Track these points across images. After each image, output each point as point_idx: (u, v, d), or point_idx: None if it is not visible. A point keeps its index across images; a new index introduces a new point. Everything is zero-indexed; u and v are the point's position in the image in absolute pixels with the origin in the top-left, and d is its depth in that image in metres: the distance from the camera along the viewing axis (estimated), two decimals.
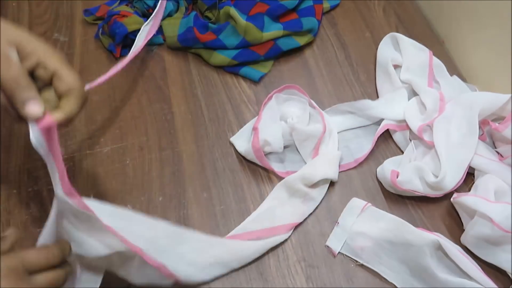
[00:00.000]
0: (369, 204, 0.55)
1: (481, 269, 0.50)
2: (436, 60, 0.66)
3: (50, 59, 0.42)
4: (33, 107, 0.39)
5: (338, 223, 0.55)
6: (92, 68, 0.68)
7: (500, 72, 0.63)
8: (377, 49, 0.71)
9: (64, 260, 0.42)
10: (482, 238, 0.51)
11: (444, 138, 0.58)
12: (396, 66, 0.67)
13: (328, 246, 0.54)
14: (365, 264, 0.53)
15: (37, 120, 0.39)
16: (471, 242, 0.52)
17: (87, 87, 0.46)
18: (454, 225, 0.56)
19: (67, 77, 0.42)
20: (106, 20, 0.69)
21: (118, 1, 0.73)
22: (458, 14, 0.71)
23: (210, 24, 0.68)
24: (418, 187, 0.55)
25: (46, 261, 0.40)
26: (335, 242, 0.54)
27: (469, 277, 0.49)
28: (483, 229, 0.50)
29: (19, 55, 0.41)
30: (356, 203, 0.56)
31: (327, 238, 0.54)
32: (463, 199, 0.53)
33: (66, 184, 0.41)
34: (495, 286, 0.49)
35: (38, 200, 0.57)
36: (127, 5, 0.72)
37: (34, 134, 0.39)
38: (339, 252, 0.53)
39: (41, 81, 0.42)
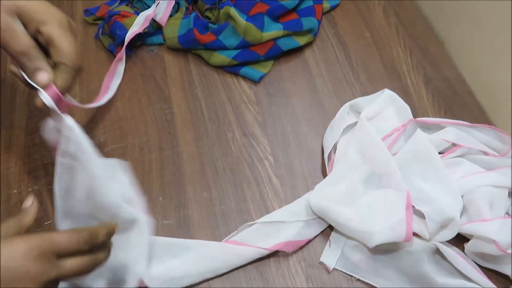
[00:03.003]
0: None
1: (480, 270, 0.50)
2: None
3: (47, 25, 0.43)
4: (41, 77, 0.42)
5: (330, 241, 0.53)
6: (92, 68, 0.68)
7: (500, 72, 0.63)
8: (377, 49, 0.71)
9: (95, 246, 0.39)
10: (485, 253, 0.50)
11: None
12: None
13: (322, 262, 0.52)
14: (361, 278, 0.51)
15: (45, 87, 0.43)
16: (472, 256, 0.51)
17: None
18: None
19: (60, 47, 0.43)
20: (106, 20, 0.69)
21: (118, 1, 0.74)
22: (458, 14, 0.71)
23: (210, 24, 0.68)
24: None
25: (77, 246, 0.37)
26: (329, 258, 0.52)
27: (468, 279, 0.49)
28: (485, 248, 0.49)
29: (22, 22, 0.42)
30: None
31: (327, 238, 0.54)
32: (463, 229, 0.51)
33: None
34: (494, 286, 0.49)
35: (38, 200, 0.56)
36: (127, 5, 0.72)
37: (44, 97, 0.43)
38: (334, 268, 0.52)
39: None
